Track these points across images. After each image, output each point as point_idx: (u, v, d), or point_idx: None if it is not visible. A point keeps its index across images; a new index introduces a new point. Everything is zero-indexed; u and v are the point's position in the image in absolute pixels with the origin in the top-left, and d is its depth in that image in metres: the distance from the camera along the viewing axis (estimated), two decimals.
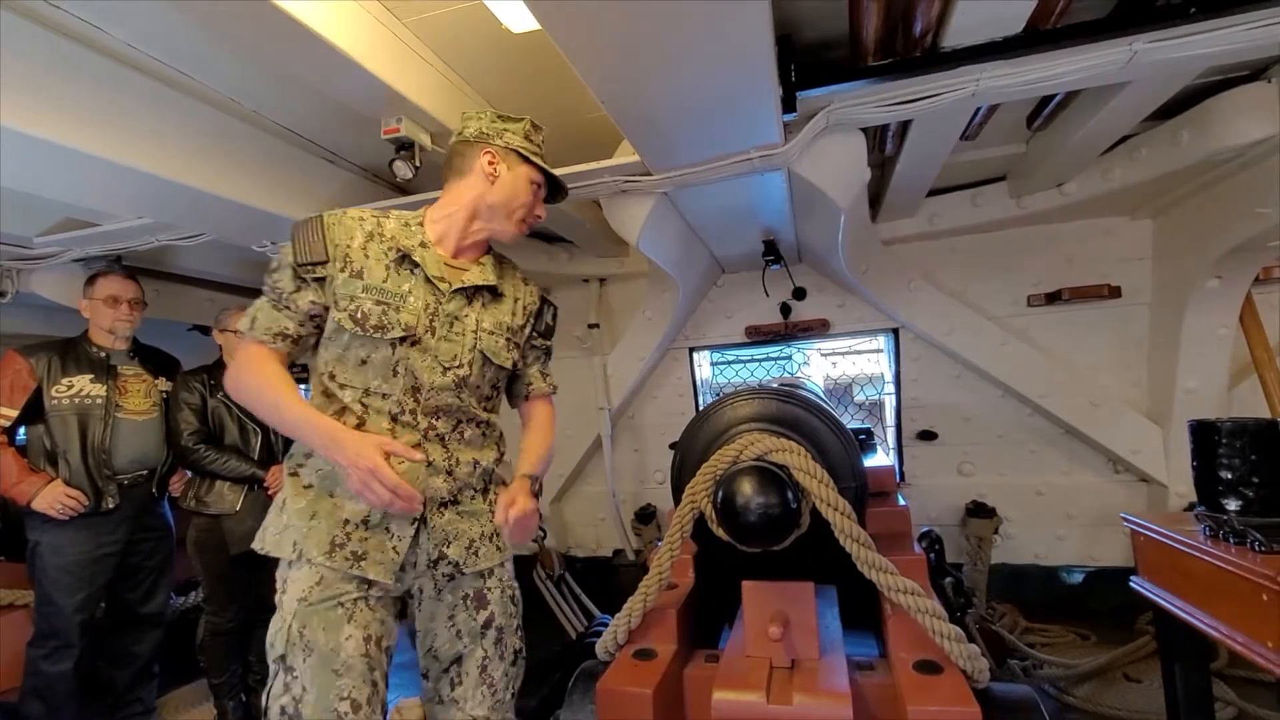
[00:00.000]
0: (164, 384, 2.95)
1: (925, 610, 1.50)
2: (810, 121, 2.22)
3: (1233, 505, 1.70)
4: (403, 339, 1.50)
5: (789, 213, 2.97)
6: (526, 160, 1.64)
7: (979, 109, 2.48)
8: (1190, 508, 1.93)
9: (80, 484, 2.63)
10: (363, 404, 1.51)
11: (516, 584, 1.70)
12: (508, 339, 1.66)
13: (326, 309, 1.53)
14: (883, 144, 2.79)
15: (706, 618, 2.04)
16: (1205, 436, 1.77)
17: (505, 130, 1.64)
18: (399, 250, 1.55)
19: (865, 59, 2.05)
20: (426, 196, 2.71)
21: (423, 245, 1.58)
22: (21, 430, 2.72)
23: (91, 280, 2.81)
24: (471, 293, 1.62)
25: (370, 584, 1.47)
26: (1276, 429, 1.73)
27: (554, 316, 1.84)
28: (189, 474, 2.97)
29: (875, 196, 3.44)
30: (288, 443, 3.16)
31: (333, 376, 1.53)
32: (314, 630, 1.41)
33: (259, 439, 2.98)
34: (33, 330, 3.73)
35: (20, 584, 2.96)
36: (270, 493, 2.93)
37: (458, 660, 1.59)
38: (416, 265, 1.56)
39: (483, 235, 1.66)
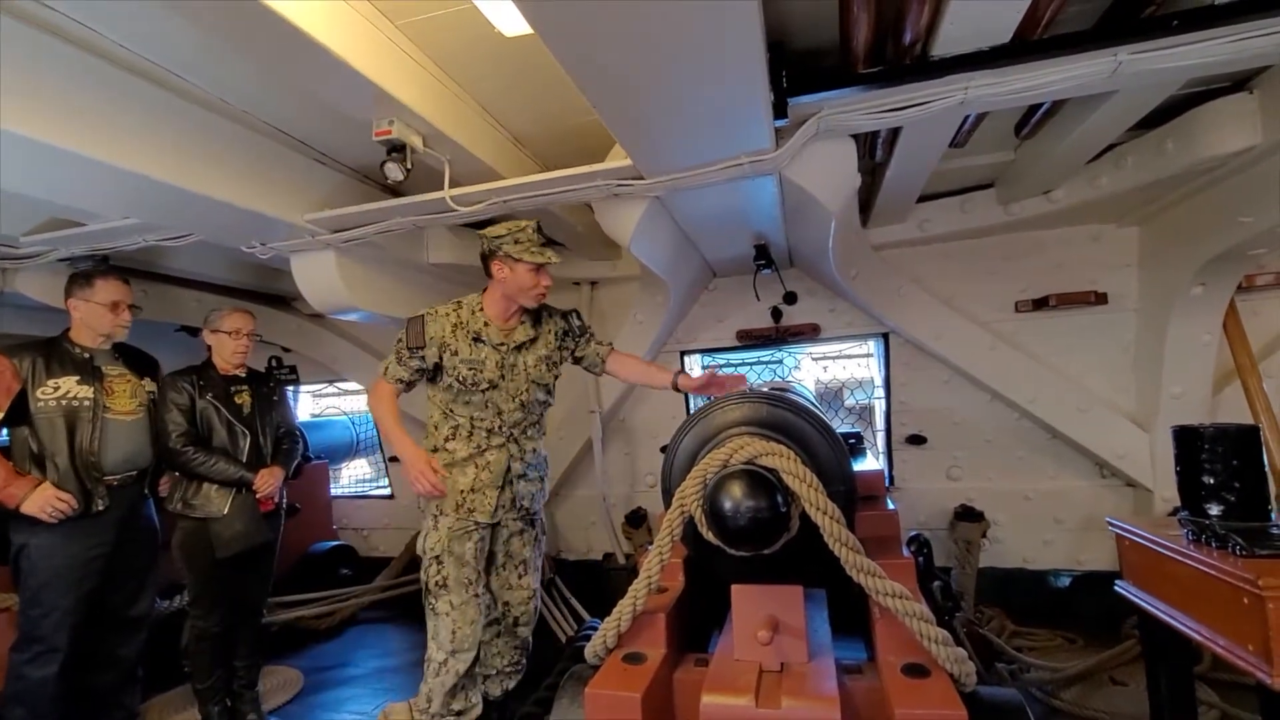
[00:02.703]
0: (149, 384, 2.91)
1: (913, 614, 1.51)
2: (801, 127, 2.24)
3: (1215, 510, 1.72)
4: (488, 388, 2.45)
5: (780, 217, 2.99)
6: (520, 260, 2.36)
7: (968, 116, 2.51)
8: (1174, 512, 1.96)
9: (69, 486, 2.59)
10: (471, 423, 2.48)
11: (541, 507, 2.72)
12: (548, 365, 2.59)
13: (423, 370, 2.49)
14: (873, 150, 2.81)
15: (696, 621, 2.04)
16: (1188, 442, 1.79)
17: (502, 244, 2.35)
18: (473, 333, 2.47)
19: (856, 66, 2.06)
20: (417, 199, 2.71)
21: (486, 324, 2.48)
22: (3, 432, 2.68)
23: (88, 281, 2.75)
24: (519, 346, 2.51)
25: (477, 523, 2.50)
26: (1258, 434, 1.75)
27: (578, 315, 2.72)
28: (176, 475, 2.94)
29: (866, 202, 3.47)
30: (276, 446, 3.16)
31: (453, 411, 2.50)
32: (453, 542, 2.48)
33: (248, 441, 2.95)
34: (17, 330, 3.69)
35: (3, 587, 2.92)
36: (259, 495, 2.91)
37: (524, 562, 2.65)
38: (484, 340, 2.46)
39: (515, 307, 2.50)
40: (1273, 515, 1.71)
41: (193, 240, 2.92)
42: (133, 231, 2.90)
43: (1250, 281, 3.31)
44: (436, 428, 2.53)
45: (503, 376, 2.47)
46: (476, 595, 2.47)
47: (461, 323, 2.47)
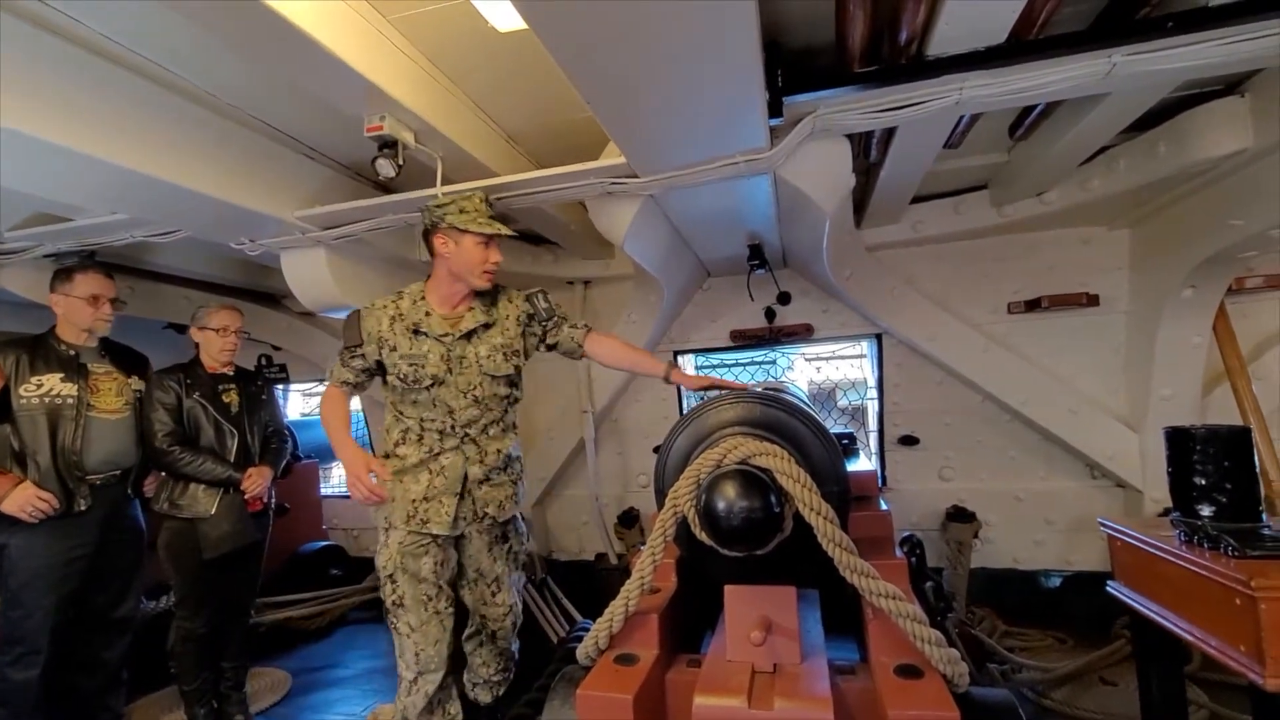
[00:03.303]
0: (136, 382, 2.87)
1: (906, 615, 1.50)
2: (796, 127, 2.23)
3: (1206, 511, 1.72)
4: (432, 384, 2.22)
5: (774, 217, 2.98)
6: (467, 230, 2.17)
7: (962, 117, 2.51)
8: (1165, 513, 1.96)
9: (50, 485, 2.56)
10: (421, 425, 2.27)
11: (520, 517, 2.51)
12: (505, 354, 2.31)
13: (369, 370, 2.32)
14: (867, 150, 2.81)
15: (689, 622, 2.03)
16: (1180, 443, 1.80)
17: (445, 214, 2.18)
18: (413, 325, 2.25)
19: (852, 66, 2.06)
20: (410, 196, 2.68)
21: (427, 314, 2.26)
22: None
23: (68, 276, 2.73)
24: (469, 334, 2.27)
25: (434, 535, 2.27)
26: (1248, 436, 1.76)
27: (545, 297, 2.42)
28: (162, 475, 2.90)
29: (860, 202, 3.47)
30: (265, 445, 3.13)
31: (398, 408, 2.32)
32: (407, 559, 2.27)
33: (235, 441, 2.92)
34: (3, 327, 3.63)
35: None
36: (246, 496, 2.88)
37: (496, 579, 2.41)
38: (425, 333, 2.24)
39: (463, 289, 2.28)
40: (1263, 516, 1.71)
41: (180, 236, 2.88)
42: (119, 227, 2.86)
43: (1240, 284, 3.33)
44: (388, 431, 2.34)
45: (449, 371, 2.23)
46: (438, 612, 2.26)
47: (400, 314, 2.27)
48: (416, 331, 2.24)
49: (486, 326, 2.30)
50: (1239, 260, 3.03)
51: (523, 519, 2.56)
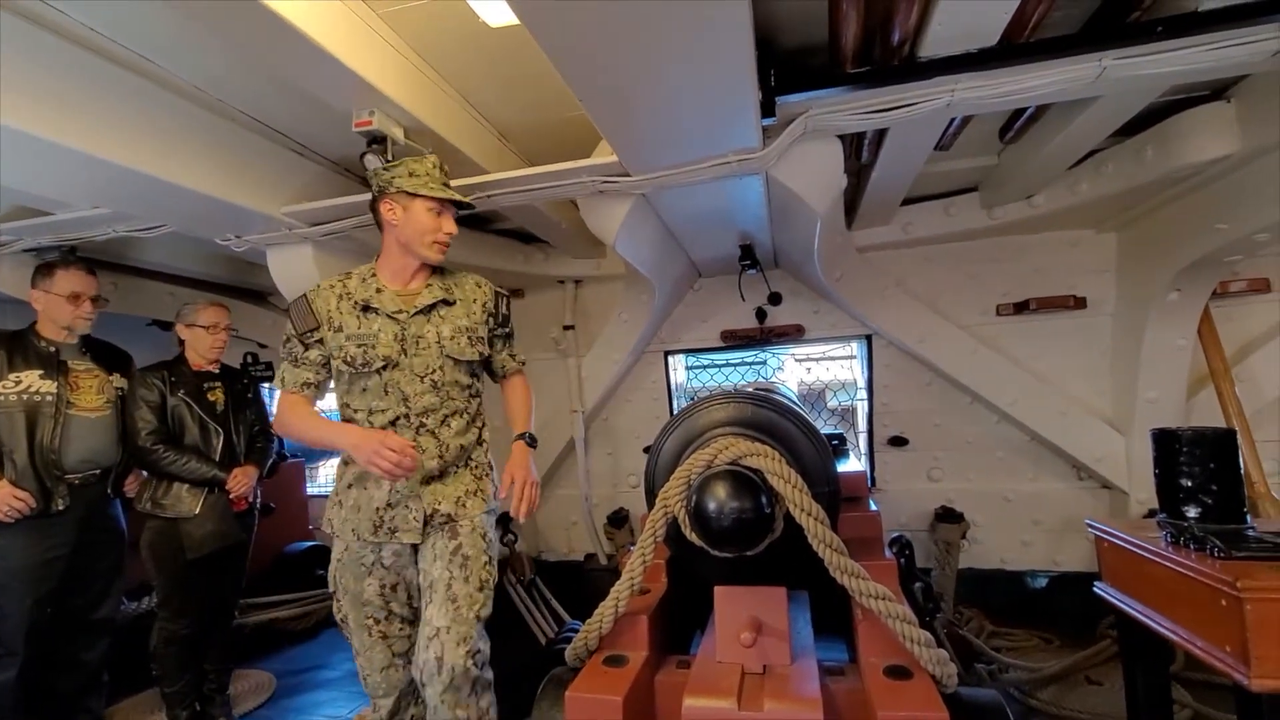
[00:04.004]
0: (118, 380, 2.83)
1: (896, 615, 1.50)
2: (789, 127, 2.23)
3: (1192, 512, 1.74)
4: (384, 367, 1.97)
5: (766, 218, 2.98)
6: (417, 194, 1.98)
7: (953, 120, 2.52)
8: (1150, 514, 1.98)
9: (27, 484, 2.52)
10: (369, 420, 1.99)
11: (492, 527, 2.09)
12: (469, 336, 2.06)
13: (328, 361, 2.02)
14: (859, 151, 2.81)
15: (679, 623, 2.02)
16: (1167, 445, 1.81)
17: (393, 178, 1.99)
18: (361, 303, 2.01)
19: (844, 66, 2.06)
20: None
21: (378, 291, 2.02)
22: None
23: (48, 272, 2.69)
24: (428, 310, 2.03)
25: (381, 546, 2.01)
26: (1234, 438, 1.77)
27: (508, 305, 2.22)
28: (145, 474, 2.86)
29: (851, 204, 3.48)
30: (250, 444, 3.09)
31: (347, 405, 2.04)
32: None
33: (221, 439, 2.88)
34: None
35: None
36: (232, 496, 2.84)
37: (432, 585, 1.93)
38: (376, 310, 2.00)
39: (416, 264, 2.06)
40: (1248, 518, 1.73)
41: (165, 231, 2.84)
42: (103, 221, 2.81)
43: (1224, 288, 3.36)
44: None
45: (404, 352, 1.98)
46: (385, 636, 2.00)
47: (348, 293, 2.02)
48: (366, 309, 2.00)
49: (448, 304, 2.06)
50: (1224, 264, 3.06)
51: (497, 525, 2.23)
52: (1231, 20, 1.79)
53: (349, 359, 1.96)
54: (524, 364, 2.27)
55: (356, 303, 2.01)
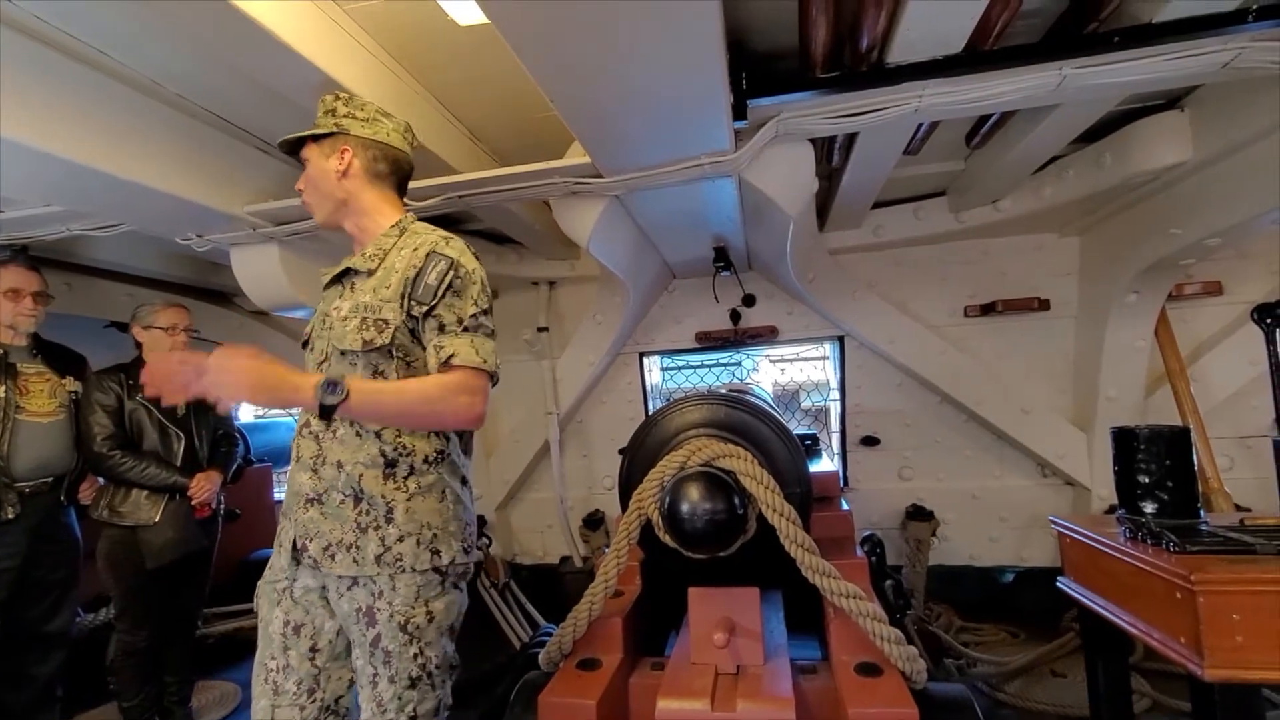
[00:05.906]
0: (71, 384, 2.73)
1: (867, 614, 1.52)
2: (760, 130, 2.25)
3: (1149, 508, 1.79)
4: (305, 347, 1.67)
5: (739, 220, 3.00)
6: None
7: (921, 125, 2.57)
8: (1111, 510, 2.03)
9: None
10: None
11: (413, 610, 1.47)
12: (364, 319, 1.50)
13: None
14: (830, 155, 2.85)
15: (653, 625, 2.02)
16: (1125, 442, 1.87)
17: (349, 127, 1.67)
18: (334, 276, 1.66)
19: (814, 70, 2.08)
20: None
21: (348, 257, 1.64)
22: None
23: None
24: (340, 279, 1.64)
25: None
26: (1188, 435, 1.83)
27: (441, 274, 1.49)
28: (101, 481, 2.76)
29: (822, 207, 3.52)
30: (214, 449, 2.99)
31: None
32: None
33: (183, 444, 2.79)
34: None
35: None
36: (194, 502, 2.76)
37: (358, 672, 1.52)
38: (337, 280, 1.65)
39: (336, 225, 1.69)
40: (1201, 513, 1.79)
41: (122, 230, 2.75)
42: (55, 220, 2.70)
43: (1180, 290, 3.49)
44: None
45: (312, 330, 1.66)
46: (276, 692, 1.53)
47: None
48: (334, 280, 1.68)
49: (367, 273, 1.58)
50: (1179, 267, 3.17)
51: (437, 599, 1.51)
52: (1184, 32, 1.86)
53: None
54: (484, 365, 1.48)
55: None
